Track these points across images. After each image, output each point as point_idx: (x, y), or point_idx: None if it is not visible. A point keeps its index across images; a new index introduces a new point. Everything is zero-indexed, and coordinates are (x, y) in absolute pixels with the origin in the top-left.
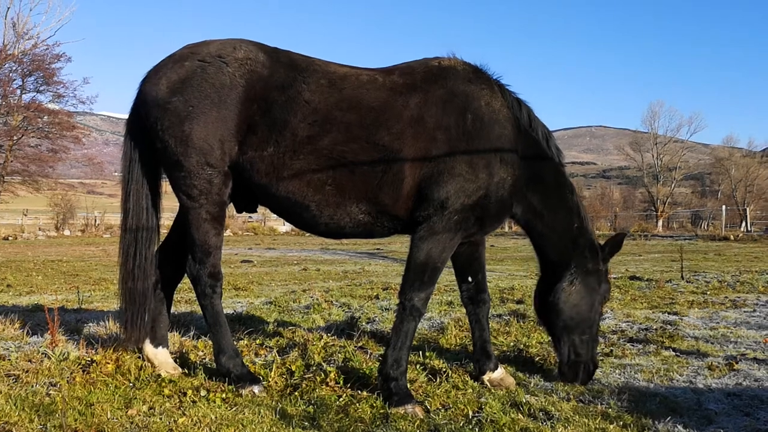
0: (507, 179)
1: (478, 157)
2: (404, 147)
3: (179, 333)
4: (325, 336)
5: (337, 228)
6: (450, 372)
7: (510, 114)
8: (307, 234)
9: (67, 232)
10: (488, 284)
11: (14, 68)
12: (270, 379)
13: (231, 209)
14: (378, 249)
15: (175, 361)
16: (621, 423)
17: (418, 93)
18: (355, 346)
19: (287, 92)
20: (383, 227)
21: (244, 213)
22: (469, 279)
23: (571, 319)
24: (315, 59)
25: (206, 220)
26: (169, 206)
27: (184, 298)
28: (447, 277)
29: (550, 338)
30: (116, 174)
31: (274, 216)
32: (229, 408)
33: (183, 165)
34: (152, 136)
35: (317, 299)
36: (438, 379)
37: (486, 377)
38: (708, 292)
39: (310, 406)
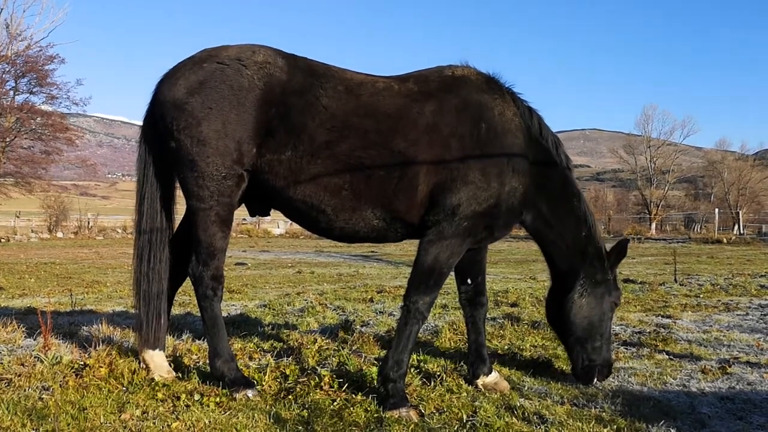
0: (518, 188)
1: (491, 165)
2: (420, 154)
3: (173, 336)
4: (319, 339)
5: (352, 232)
6: (444, 375)
7: (521, 123)
8: (301, 236)
9: (60, 235)
10: None
11: (7, 69)
12: (264, 383)
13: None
14: (372, 252)
15: (169, 365)
16: (615, 427)
17: (432, 101)
18: (350, 350)
19: (305, 97)
20: (396, 232)
21: (252, 216)
22: (469, 281)
23: (584, 330)
24: (331, 66)
25: (214, 222)
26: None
27: (178, 301)
28: None
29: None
30: (109, 176)
31: (268, 218)
32: (222, 412)
33: (197, 166)
34: (167, 136)
35: (312, 302)
36: (432, 383)
37: (480, 381)
38: (701, 296)
39: (305, 410)
